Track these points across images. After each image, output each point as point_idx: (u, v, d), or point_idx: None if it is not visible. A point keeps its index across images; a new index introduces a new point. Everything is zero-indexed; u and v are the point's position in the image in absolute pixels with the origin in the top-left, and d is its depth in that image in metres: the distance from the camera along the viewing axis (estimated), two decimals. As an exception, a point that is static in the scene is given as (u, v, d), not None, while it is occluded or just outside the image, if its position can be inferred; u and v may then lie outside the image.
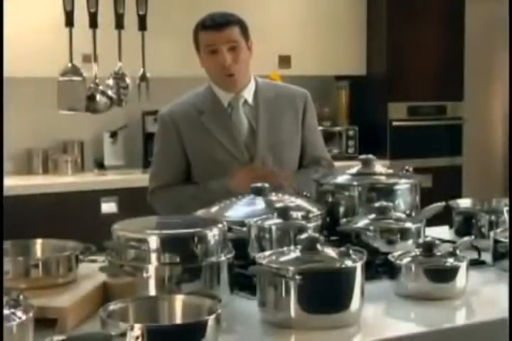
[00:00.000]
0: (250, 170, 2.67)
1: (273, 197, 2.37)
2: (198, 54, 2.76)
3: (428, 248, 2.05)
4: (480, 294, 2.06)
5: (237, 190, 2.48)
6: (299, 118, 2.85)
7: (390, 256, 2.06)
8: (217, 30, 2.67)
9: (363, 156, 2.63)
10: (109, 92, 2.91)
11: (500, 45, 5.75)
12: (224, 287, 1.89)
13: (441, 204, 2.50)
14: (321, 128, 5.18)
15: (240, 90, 2.77)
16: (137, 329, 1.44)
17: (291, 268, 1.74)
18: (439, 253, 2.05)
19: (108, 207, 4.34)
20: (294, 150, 2.81)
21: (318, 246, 1.85)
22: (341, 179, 2.55)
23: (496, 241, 2.29)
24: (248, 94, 2.79)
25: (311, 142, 2.90)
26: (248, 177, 2.57)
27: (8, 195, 3.56)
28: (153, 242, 1.83)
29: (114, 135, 4.76)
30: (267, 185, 2.41)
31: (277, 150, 2.78)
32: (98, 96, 2.89)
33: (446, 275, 1.99)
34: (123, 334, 1.44)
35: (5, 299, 1.48)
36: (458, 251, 2.06)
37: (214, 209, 2.36)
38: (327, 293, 1.75)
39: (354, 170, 2.58)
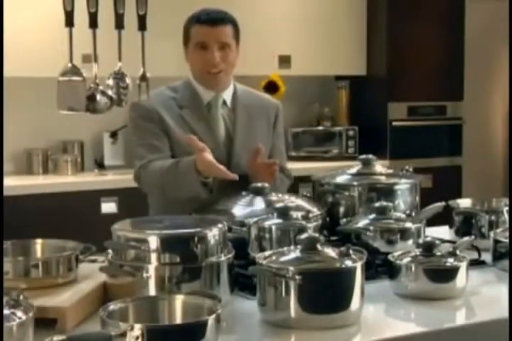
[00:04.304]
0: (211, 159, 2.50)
1: (273, 197, 2.37)
2: (185, 48, 2.73)
3: (428, 248, 2.05)
4: (480, 294, 2.06)
5: (204, 172, 2.46)
6: (271, 128, 2.86)
7: (390, 256, 2.06)
8: (211, 25, 2.64)
9: (363, 156, 2.64)
10: (109, 92, 2.90)
11: (500, 45, 5.75)
12: (224, 287, 1.89)
13: (441, 204, 2.50)
14: (321, 128, 5.27)
15: (220, 90, 2.75)
16: (137, 329, 1.44)
17: (291, 268, 1.74)
18: (439, 253, 2.05)
19: (108, 207, 4.34)
20: (264, 158, 2.73)
21: (318, 246, 1.85)
22: (341, 179, 2.55)
23: (496, 241, 2.29)
24: (227, 96, 2.78)
25: (279, 150, 2.90)
26: (213, 164, 2.45)
27: (8, 195, 3.55)
28: (153, 242, 1.83)
29: (114, 135, 4.75)
30: (266, 184, 2.41)
31: (252, 154, 2.67)
32: (98, 96, 2.88)
33: (446, 275, 1.99)
34: (123, 334, 1.44)
35: (5, 299, 1.49)
36: (458, 251, 2.07)
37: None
38: (327, 293, 1.75)
39: (354, 170, 2.58)
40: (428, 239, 2.18)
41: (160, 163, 2.62)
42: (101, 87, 2.87)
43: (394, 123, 5.17)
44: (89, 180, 4.50)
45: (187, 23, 2.71)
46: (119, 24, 2.80)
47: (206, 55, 2.66)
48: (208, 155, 2.44)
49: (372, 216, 2.34)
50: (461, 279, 1.99)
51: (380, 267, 2.15)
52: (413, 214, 2.49)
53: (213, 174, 2.46)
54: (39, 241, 2.09)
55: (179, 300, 1.65)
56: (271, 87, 4.81)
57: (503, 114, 5.96)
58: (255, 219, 2.19)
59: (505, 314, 1.85)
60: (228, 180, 2.43)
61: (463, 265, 2.00)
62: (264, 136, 2.82)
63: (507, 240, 2.26)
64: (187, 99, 2.76)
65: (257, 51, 4.66)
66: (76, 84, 2.79)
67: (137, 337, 1.44)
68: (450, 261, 2.02)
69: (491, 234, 2.35)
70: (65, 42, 2.75)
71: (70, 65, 2.79)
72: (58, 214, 4.16)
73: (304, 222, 2.21)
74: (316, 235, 1.91)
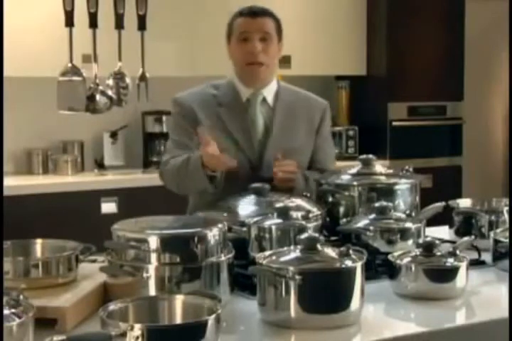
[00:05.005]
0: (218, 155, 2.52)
1: (273, 197, 2.37)
2: (228, 45, 2.75)
3: (428, 248, 2.05)
4: (480, 294, 2.06)
5: (208, 164, 2.48)
6: (314, 129, 2.82)
7: (390, 256, 2.06)
8: (252, 17, 2.69)
9: (363, 156, 2.63)
10: (109, 92, 2.91)
11: (500, 45, 5.75)
12: (224, 287, 1.89)
13: (441, 204, 2.50)
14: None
15: (260, 86, 2.75)
16: (137, 329, 1.44)
17: (291, 268, 1.74)
18: (439, 253, 2.05)
19: (108, 207, 4.34)
20: (303, 159, 2.75)
21: (318, 246, 1.85)
22: (341, 179, 2.55)
23: (496, 241, 2.29)
24: (268, 93, 2.77)
25: (325, 152, 2.86)
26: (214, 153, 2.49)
27: (8, 195, 3.55)
28: (153, 242, 1.83)
29: (114, 135, 4.75)
30: (266, 185, 2.41)
31: (287, 155, 2.67)
32: (98, 96, 2.88)
33: (446, 275, 1.99)
34: (123, 334, 1.44)
35: (5, 299, 1.48)
36: (458, 251, 2.06)
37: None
38: (327, 293, 1.75)
39: (354, 170, 2.58)
40: (428, 239, 2.18)
41: (179, 159, 2.65)
42: (101, 87, 2.88)
43: (394, 123, 5.17)
44: (89, 180, 4.50)
45: (230, 19, 2.75)
46: (119, 24, 2.81)
47: (247, 46, 2.68)
48: (212, 147, 2.46)
49: (372, 216, 2.34)
50: (461, 279, 1.99)
51: (380, 267, 2.15)
52: (413, 214, 2.49)
53: (214, 163, 2.47)
54: (39, 241, 2.09)
55: (179, 300, 1.65)
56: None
57: (503, 114, 5.96)
58: (255, 219, 2.19)
59: (505, 314, 1.85)
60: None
61: (463, 265, 2.00)
62: (302, 138, 2.78)
63: (507, 240, 2.26)
64: (227, 96, 2.77)
65: (257, 51, 4.65)
66: (76, 84, 2.80)
67: (137, 337, 1.44)
68: (450, 261, 2.02)
69: (491, 234, 2.35)
70: (65, 42, 2.75)
71: (70, 65, 2.79)
72: (58, 214, 4.16)
73: (303, 222, 2.21)
74: (316, 235, 1.91)
